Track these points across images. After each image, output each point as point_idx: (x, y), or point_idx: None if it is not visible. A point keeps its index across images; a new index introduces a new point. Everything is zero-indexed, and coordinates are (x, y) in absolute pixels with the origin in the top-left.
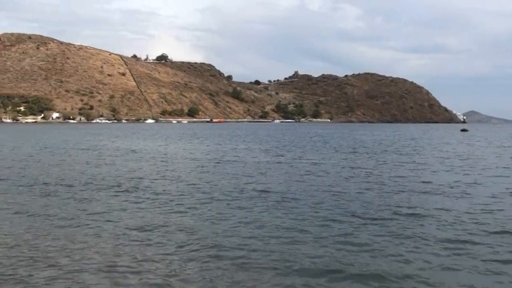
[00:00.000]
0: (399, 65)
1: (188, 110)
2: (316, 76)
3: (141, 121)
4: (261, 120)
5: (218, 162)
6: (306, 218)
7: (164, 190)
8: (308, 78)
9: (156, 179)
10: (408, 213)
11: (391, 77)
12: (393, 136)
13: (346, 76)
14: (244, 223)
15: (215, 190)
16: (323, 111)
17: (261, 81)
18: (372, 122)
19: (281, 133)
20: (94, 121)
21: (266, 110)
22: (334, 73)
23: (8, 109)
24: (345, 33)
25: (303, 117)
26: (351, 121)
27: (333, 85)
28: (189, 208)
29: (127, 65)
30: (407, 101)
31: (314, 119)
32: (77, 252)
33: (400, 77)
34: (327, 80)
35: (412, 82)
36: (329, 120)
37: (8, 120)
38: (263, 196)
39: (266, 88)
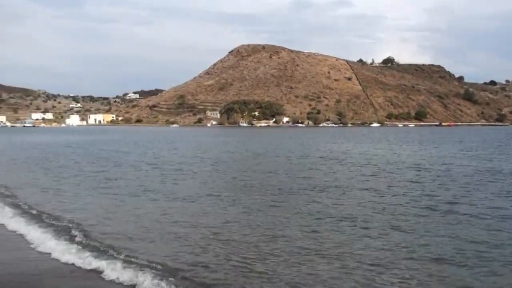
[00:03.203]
0: None
1: (415, 113)
2: None
3: (366, 124)
4: (497, 123)
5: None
6: None
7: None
8: None
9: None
10: None
11: None
12: None
13: None
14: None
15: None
16: None
17: (497, 81)
18: None
19: None
20: (321, 125)
21: (503, 112)
22: None
23: (244, 114)
24: None
25: None
26: None
27: None
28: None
29: (353, 70)
30: None
31: None
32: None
33: None
34: None
35: None
36: None
37: (245, 124)
38: None
39: (503, 88)
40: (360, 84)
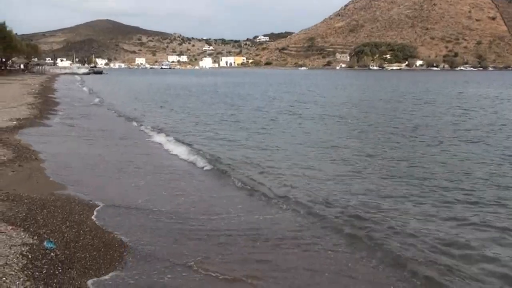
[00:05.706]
0: None
1: None
2: None
3: (510, 68)
4: None
5: None
6: None
7: None
8: None
9: None
10: None
11: None
12: None
13: None
14: None
15: None
16: None
17: None
18: None
19: None
20: (458, 68)
21: None
22: None
23: (375, 57)
24: None
25: None
26: None
27: None
28: None
29: (498, 8)
30: None
31: None
32: None
33: None
34: None
35: None
36: None
37: (375, 67)
38: None
39: None
40: (505, 24)
